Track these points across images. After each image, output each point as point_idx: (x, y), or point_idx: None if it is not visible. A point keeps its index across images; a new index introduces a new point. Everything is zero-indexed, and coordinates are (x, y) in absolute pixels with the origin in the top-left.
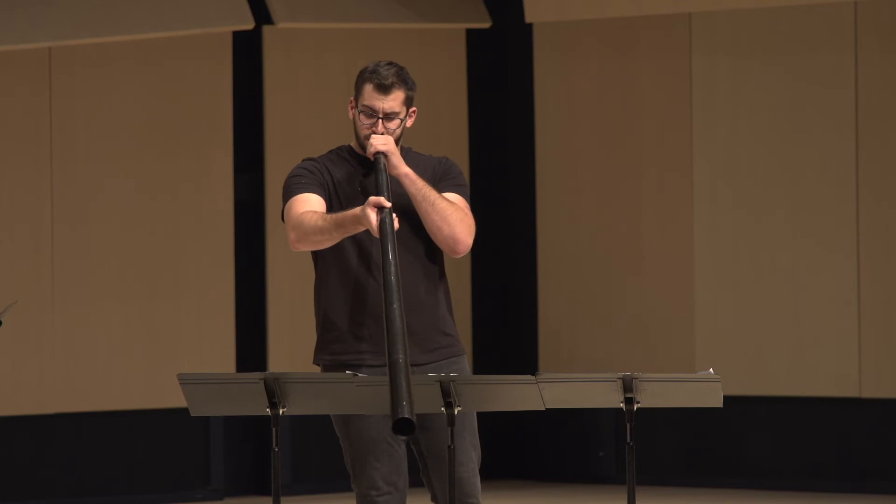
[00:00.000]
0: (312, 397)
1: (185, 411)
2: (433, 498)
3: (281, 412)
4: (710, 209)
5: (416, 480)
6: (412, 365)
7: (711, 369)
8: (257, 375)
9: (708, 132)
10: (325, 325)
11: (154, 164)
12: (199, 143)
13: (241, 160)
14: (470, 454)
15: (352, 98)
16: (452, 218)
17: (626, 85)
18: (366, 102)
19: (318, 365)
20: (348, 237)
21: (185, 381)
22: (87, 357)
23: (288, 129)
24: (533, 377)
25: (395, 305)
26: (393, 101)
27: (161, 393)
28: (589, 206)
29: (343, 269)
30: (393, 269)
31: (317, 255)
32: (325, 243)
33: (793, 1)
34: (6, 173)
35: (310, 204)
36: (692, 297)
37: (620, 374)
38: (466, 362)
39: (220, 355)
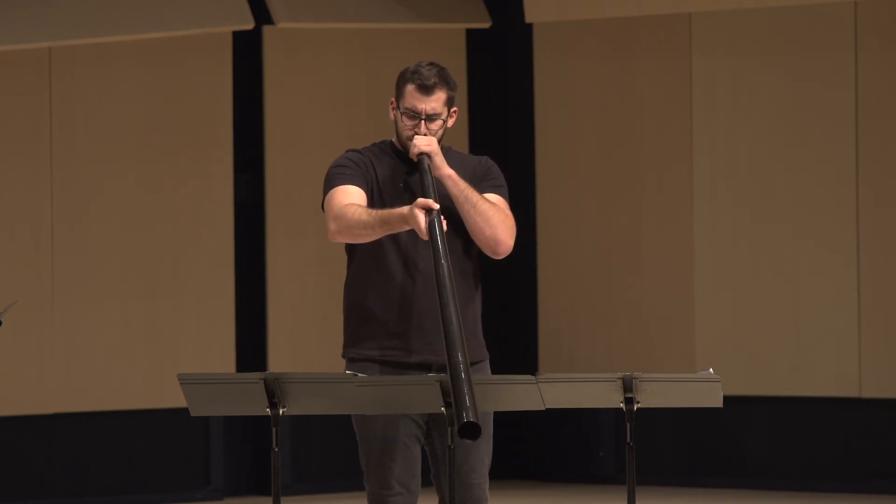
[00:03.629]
0: (312, 397)
1: (185, 411)
2: (441, 501)
3: (281, 412)
4: (710, 209)
5: (425, 481)
6: (439, 365)
7: (711, 369)
8: (257, 375)
9: (708, 132)
10: (356, 320)
11: (154, 165)
12: (199, 143)
13: (241, 160)
14: (483, 460)
15: (392, 99)
16: (494, 219)
17: (626, 85)
18: (408, 104)
19: (346, 359)
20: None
21: (185, 381)
22: (87, 357)
23: (288, 129)
24: (533, 377)
25: (451, 308)
26: (435, 102)
27: (161, 393)
28: (589, 206)
29: (379, 266)
30: (446, 271)
31: (352, 250)
32: (366, 238)
33: (793, 1)
34: (6, 173)
35: (351, 196)
36: (692, 297)
37: (620, 374)
38: (488, 367)
39: (220, 355)
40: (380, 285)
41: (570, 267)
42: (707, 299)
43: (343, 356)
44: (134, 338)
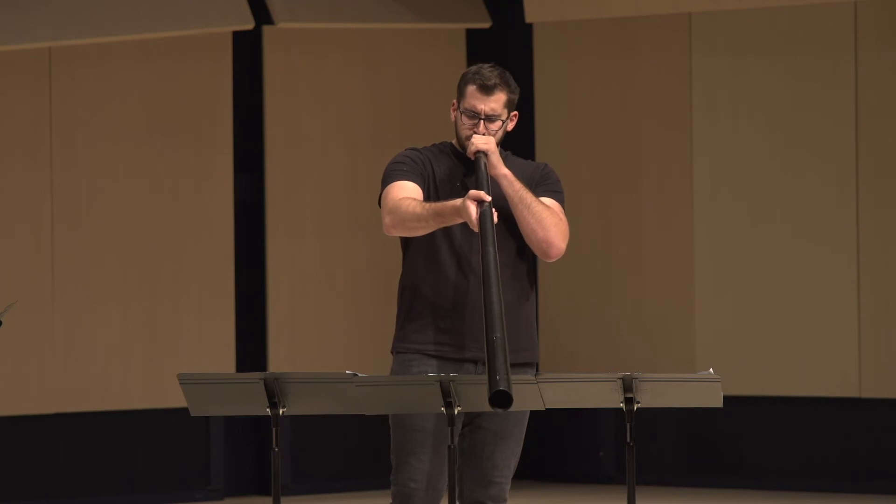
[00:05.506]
0: (312, 397)
1: (185, 411)
2: (458, 496)
3: (281, 412)
4: (710, 209)
5: None
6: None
7: (711, 369)
8: (257, 375)
9: (708, 132)
10: (408, 315)
11: (154, 164)
12: (199, 143)
13: (241, 160)
14: (510, 462)
15: (454, 101)
16: (547, 221)
17: (626, 85)
18: (468, 104)
19: (396, 353)
20: (441, 231)
21: (185, 381)
22: (87, 357)
23: (288, 129)
24: (533, 377)
25: (493, 289)
26: (495, 103)
27: (161, 393)
28: (589, 206)
29: (432, 262)
30: (492, 259)
31: (407, 246)
32: (420, 231)
33: (793, 1)
34: (6, 173)
35: (407, 191)
36: (692, 297)
37: (620, 374)
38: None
39: (220, 355)
40: (433, 282)
41: (570, 267)
42: (707, 299)
43: (392, 351)
44: (134, 338)
